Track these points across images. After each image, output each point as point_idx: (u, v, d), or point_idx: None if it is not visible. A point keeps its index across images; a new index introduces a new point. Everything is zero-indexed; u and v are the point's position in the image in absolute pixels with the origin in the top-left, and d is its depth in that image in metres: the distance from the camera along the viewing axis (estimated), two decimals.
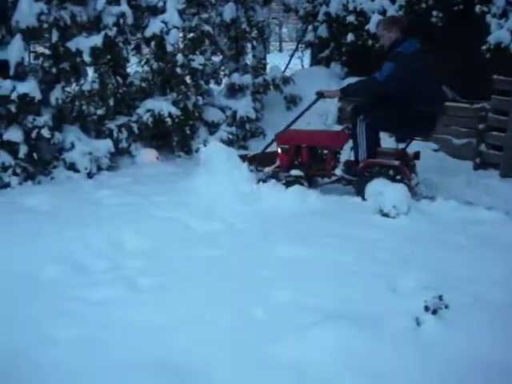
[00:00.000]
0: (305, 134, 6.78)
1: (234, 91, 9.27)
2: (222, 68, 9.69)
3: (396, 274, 3.89)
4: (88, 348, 2.95)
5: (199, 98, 8.23)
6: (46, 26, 6.67)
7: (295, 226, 5.01)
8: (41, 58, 7.11)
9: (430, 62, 6.03)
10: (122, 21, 7.32)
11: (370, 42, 9.04)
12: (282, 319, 3.23)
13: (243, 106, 8.76)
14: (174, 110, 7.81)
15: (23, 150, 6.58)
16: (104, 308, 3.38)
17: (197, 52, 8.20)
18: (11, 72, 6.43)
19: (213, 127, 8.60)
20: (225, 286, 3.67)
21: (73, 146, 7.03)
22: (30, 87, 6.48)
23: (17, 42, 6.41)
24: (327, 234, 4.72)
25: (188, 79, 8.15)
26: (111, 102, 7.50)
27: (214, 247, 4.42)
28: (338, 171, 6.17)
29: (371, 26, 8.53)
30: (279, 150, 6.44)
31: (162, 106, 7.78)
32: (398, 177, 5.73)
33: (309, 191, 5.86)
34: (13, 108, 6.48)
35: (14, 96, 6.39)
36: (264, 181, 6.11)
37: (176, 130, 8.04)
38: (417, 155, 6.19)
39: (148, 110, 7.73)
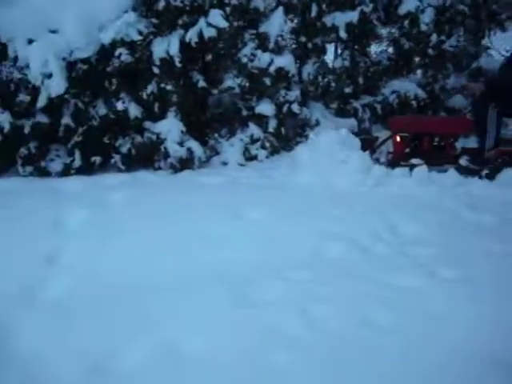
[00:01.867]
0: (426, 120, 6.31)
1: (476, 76, 8.70)
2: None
3: None
4: (408, 337, 2.72)
5: (447, 81, 7.82)
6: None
7: None
8: (294, 33, 7.07)
9: None
10: None
11: None
12: None
13: None
14: (421, 93, 7.47)
15: (272, 124, 6.59)
16: (408, 295, 3.13)
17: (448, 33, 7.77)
18: (271, 45, 6.42)
19: (454, 113, 8.14)
20: None
21: (318, 122, 6.93)
22: (286, 61, 6.46)
23: (278, 15, 6.37)
24: None
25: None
26: (360, 80, 7.32)
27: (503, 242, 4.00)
28: (463, 161, 5.66)
29: None
30: (397, 138, 5.92)
31: (409, 87, 7.48)
32: None
33: None
34: (267, 81, 6.49)
35: (271, 69, 6.39)
36: None
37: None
38: None
39: (393, 91, 7.46)
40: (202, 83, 6.28)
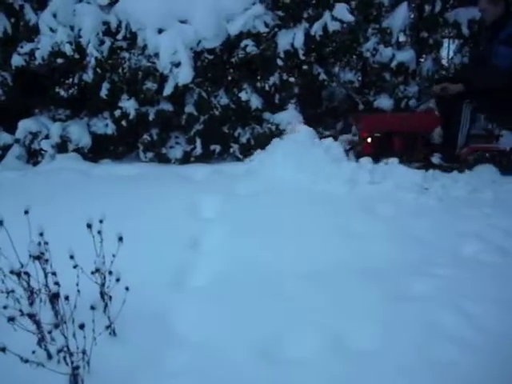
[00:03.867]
0: (394, 118, 6.01)
1: None
2: None
3: None
4: None
5: None
6: None
7: None
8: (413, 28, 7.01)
9: None
10: None
11: None
12: None
13: None
14: None
15: None
16: None
17: None
18: (393, 40, 6.39)
19: None
20: None
21: None
22: (407, 56, 6.41)
23: (402, 9, 6.33)
24: None
25: None
26: None
27: None
28: (435, 158, 5.47)
29: None
30: (368, 139, 5.68)
31: None
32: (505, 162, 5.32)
33: None
34: (387, 76, 6.47)
35: (393, 64, 6.36)
36: None
37: None
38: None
39: None
40: (322, 76, 6.31)
